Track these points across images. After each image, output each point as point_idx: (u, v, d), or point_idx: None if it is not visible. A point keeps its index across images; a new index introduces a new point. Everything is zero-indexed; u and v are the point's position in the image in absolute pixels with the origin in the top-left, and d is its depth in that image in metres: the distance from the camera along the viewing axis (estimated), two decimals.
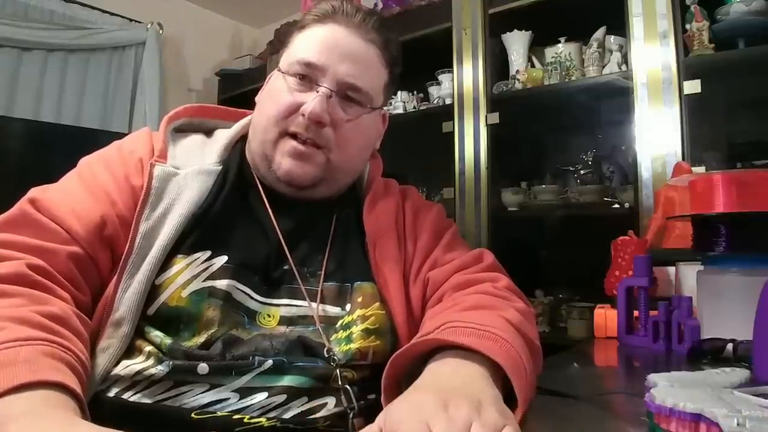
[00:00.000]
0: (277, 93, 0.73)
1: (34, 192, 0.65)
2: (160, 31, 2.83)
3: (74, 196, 0.65)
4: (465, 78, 1.99)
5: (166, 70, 2.85)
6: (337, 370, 0.64)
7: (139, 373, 0.59)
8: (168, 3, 2.99)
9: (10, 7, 2.45)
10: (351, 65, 0.72)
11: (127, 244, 0.63)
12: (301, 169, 0.71)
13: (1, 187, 1.46)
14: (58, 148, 1.76)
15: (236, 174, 0.75)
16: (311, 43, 0.73)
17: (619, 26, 1.68)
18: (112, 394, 0.59)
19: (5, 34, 2.38)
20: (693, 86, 1.50)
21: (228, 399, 0.59)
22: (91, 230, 0.63)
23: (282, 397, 0.61)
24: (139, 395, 0.59)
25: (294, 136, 0.71)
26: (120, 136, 0.79)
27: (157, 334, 0.62)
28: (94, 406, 0.57)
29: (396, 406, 0.45)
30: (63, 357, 0.50)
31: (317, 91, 0.70)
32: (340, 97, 0.72)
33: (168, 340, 0.61)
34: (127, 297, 0.61)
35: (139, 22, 2.80)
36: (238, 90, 2.90)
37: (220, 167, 0.74)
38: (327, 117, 0.70)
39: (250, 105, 0.89)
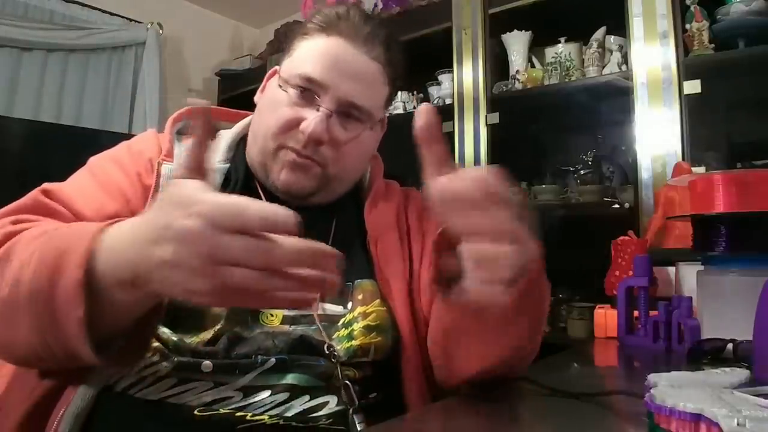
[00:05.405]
0: (276, 104, 0.72)
1: (45, 185, 0.64)
2: (160, 31, 2.83)
3: (88, 192, 0.65)
4: (465, 78, 1.99)
5: (166, 70, 2.85)
6: (338, 367, 0.64)
7: (144, 368, 0.59)
8: (168, 3, 2.99)
9: (10, 7, 2.45)
10: (353, 84, 0.70)
11: None
12: (298, 182, 0.71)
13: (1, 187, 1.46)
14: (58, 148, 1.75)
15: (241, 173, 0.75)
16: (314, 56, 0.71)
17: (619, 26, 1.68)
18: (119, 389, 0.59)
19: (5, 34, 2.38)
20: (693, 86, 1.50)
21: (231, 397, 0.60)
22: None
23: (284, 395, 0.61)
24: (144, 391, 0.59)
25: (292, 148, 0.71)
26: (120, 136, 0.79)
27: (164, 330, 0.62)
28: (102, 400, 0.57)
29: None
30: None
31: (317, 110, 0.69)
32: (341, 115, 0.71)
33: (174, 338, 0.61)
34: None
35: (139, 22, 2.80)
36: (238, 90, 2.90)
37: (228, 165, 0.75)
38: (326, 136, 0.69)
39: (250, 105, 0.89)
